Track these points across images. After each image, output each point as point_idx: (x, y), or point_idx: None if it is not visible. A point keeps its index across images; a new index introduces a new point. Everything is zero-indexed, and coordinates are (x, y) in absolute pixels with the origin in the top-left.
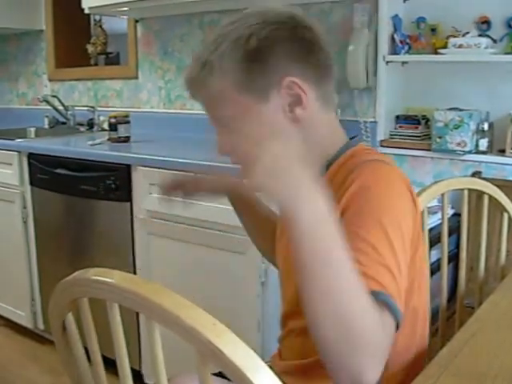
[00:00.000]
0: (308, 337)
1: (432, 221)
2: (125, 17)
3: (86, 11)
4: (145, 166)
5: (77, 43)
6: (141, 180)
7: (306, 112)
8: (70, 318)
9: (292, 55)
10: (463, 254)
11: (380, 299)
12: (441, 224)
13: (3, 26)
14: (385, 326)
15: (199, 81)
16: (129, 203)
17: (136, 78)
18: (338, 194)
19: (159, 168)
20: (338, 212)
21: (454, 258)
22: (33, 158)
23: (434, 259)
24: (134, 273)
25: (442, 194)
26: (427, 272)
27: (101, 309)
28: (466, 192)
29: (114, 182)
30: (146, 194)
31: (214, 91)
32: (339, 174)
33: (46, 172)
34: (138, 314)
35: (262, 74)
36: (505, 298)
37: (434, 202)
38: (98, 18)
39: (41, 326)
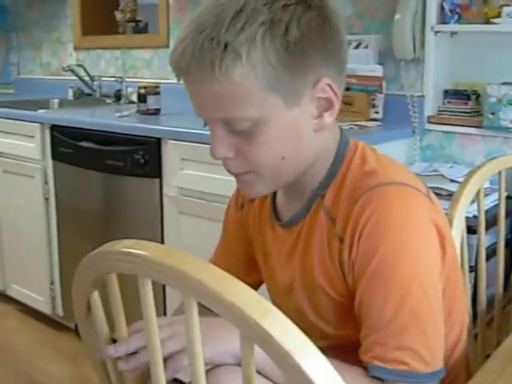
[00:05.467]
0: None
1: (485, 203)
2: None
3: None
4: (176, 140)
5: (104, 10)
6: (172, 155)
7: (332, 118)
8: (96, 296)
9: (325, 51)
10: None
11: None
12: (495, 207)
13: None
14: None
15: (217, 68)
16: (158, 179)
17: (167, 46)
18: (347, 228)
19: (192, 142)
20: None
21: (509, 243)
22: (56, 130)
23: (487, 244)
24: None
25: (499, 172)
26: (461, 281)
27: (129, 289)
28: None
29: (142, 156)
30: (177, 170)
31: (236, 85)
32: (345, 187)
33: (69, 145)
34: (164, 294)
35: (298, 73)
36: None
37: (486, 184)
38: None
39: (60, 312)
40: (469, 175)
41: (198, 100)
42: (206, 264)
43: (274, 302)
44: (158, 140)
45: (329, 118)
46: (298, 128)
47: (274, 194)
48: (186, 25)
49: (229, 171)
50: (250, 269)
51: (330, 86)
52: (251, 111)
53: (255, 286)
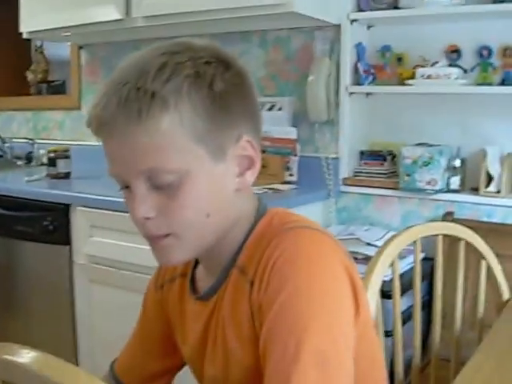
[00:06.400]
0: None
1: (401, 266)
2: (68, 43)
3: (25, 36)
4: (85, 207)
5: (16, 70)
6: (81, 221)
7: (253, 177)
8: None
9: (245, 108)
10: (438, 303)
11: None
12: (412, 270)
13: None
14: None
15: (144, 116)
16: (68, 247)
17: (79, 108)
18: (258, 270)
19: (101, 209)
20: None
21: (426, 305)
22: None
23: (404, 307)
24: (73, 324)
25: (415, 241)
26: (379, 346)
27: None
28: (440, 238)
29: (51, 222)
30: (87, 237)
31: (163, 134)
32: (259, 247)
33: None
34: None
35: (223, 127)
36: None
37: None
38: (39, 43)
39: None
40: (384, 245)
41: (119, 155)
42: (86, 376)
43: (199, 382)
44: (67, 206)
45: (250, 177)
46: (222, 185)
47: (194, 269)
48: (106, 82)
49: (146, 235)
50: (168, 350)
51: (251, 143)
52: (177, 162)
53: (176, 368)
